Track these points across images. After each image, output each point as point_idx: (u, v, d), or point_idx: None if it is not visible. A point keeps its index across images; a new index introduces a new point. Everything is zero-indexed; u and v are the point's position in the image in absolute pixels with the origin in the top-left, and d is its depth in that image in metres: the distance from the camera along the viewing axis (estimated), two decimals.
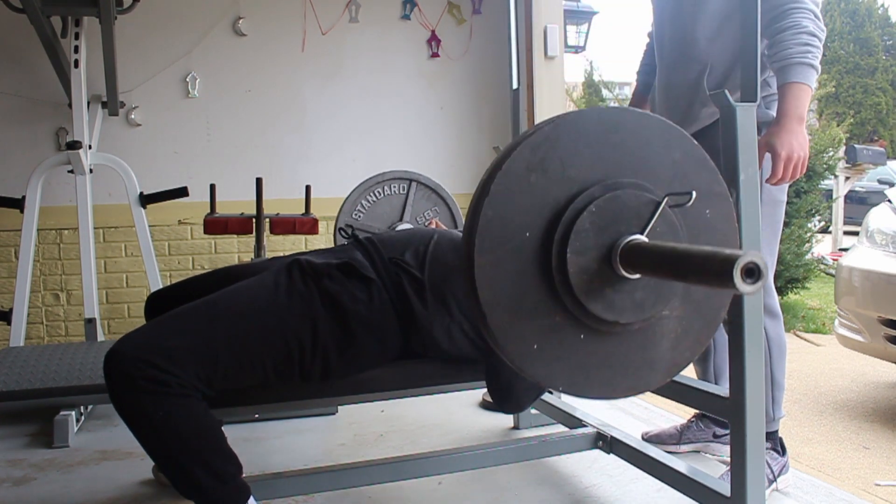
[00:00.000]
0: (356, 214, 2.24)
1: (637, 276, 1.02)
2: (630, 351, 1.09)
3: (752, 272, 0.81)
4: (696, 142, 1.13)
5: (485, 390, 2.59)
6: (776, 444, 1.87)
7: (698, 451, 2.08)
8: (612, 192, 1.03)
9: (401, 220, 2.26)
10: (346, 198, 2.25)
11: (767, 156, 1.63)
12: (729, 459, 1.99)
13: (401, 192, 2.28)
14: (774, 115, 1.72)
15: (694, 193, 1.06)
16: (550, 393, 2.27)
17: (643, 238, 1.02)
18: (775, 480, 1.82)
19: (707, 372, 2.01)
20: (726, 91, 1.33)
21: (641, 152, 1.08)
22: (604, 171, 1.05)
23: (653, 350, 1.10)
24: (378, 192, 2.27)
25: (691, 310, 1.12)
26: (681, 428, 2.10)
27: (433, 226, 2.04)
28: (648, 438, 2.13)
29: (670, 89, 1.89)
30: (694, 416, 2.11)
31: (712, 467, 1.98)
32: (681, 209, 1.07)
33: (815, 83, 1.65)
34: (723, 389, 1.45)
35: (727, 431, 2.03)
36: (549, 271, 1.02)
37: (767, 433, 1.83)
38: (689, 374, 1.66)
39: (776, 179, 1.62)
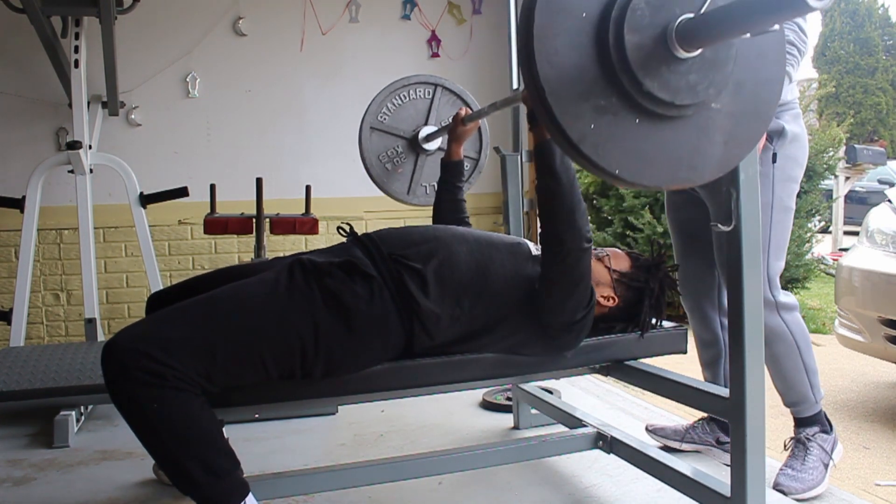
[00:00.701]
0: (382, 116, 2.24)
1: (694, 53, 1.04)
2: (684, 140, 1.10)
3: None
4: None
5: (485, 390, 2.60)
6: (823, 424, 1.90)
7: (699, 452, 2.08)
8: None
9: (426, 122, 2.26)
10: (372, 100, 2.25)
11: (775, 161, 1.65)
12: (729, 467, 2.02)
13: (426, 96, 2.27)
14: (783, 124, 1.75)
15: None
16: (550, 394, 2.27)
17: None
18: (831, 458, 1.86)
19: (717, 377, 2.01)
20: None
21: None
22: None
23: (706, 141, 1.11)
24: (403, 95, 2.26)
25: (741, 108, 1.14)
26: (687, 427, 2.10)
27: (462, 112, 2.03)
28: (653, 430, 2.13)
29: None
30: (701, 419, 2.11)
31: (713, 467, 1.98)
32: None
33: (786, 90, 1.69)
34: (723, 389, 1.45)
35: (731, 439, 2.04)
36: (606, 49, 1.03)
37: (813, 415, 1.88)
38: (691, 374, 1.66)
39: None
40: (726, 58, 1.08)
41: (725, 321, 2.00)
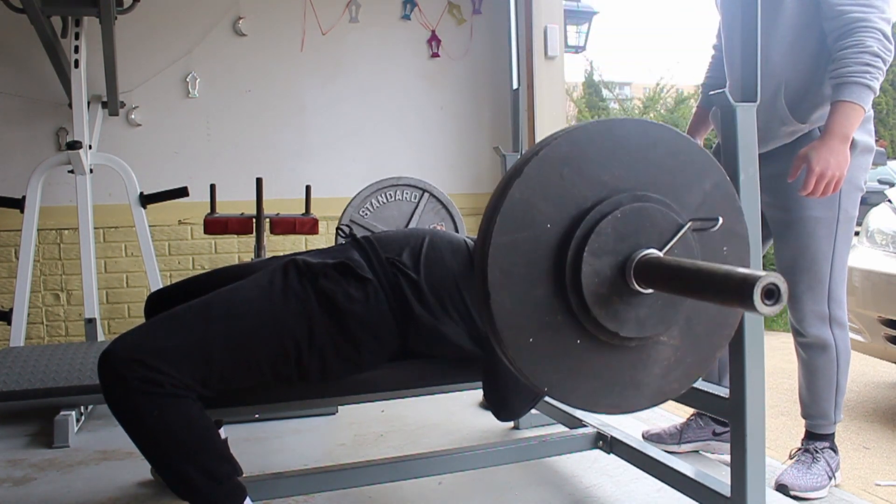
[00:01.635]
0: (363, 212, 2.24)
1: (647, 291, 1.02)
2: (621, 367, 1.08)
3: (772, 293, 0.81)
4: (728, 178, 1.14)
5: None
6: (833, 444, 1.91)
7: (698, 451, 2.08)
8: (639, 203, 1.04)
9: (406, 226, 2.26)
10: (357, 194, 2.25)
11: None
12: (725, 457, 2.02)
13: (412, 199, 2.28)
14: (855, 136, 1.72)
15: (720, 220, 1.07)
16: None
17: (660, 254, 1.03)
18: (834, 478, 1.86)
19: (710, 374, 2.01)
20: (726, 91, 1.33)
21: (675, 174, 1.08)
22: (635, 183, 1.05)
23: (643, 372, 1.10)
24: (390, 194, 2.27)
25: (689, 343, 1.12)
26: (680, 427, 2.10)
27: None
28: (649, 437, 2.13)
29: None
30: (693, 415, 2.11)
31: (713, 467, 1.98)
32: (699, 239, 1.08)
33: (869, 104, 1.66)
34: (723, 390, 1.45)
35: (727, 429, 2.04)
36: (562, 267, 1.02)
37: (827, 434, 1.88)
38: None
39: (806, 192, 1.64)
40: (682, 298, 1.06)
41: None
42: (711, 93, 1.39)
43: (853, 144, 1.72)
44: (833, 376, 1.84)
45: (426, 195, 2.29)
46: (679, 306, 1.07)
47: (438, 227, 2.22)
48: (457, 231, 2.34)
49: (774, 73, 1.77)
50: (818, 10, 1.70)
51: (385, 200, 2.27)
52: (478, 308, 1.05)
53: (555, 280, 1.02)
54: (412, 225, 2.27)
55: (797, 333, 1.86)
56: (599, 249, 1.01)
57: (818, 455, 1.86)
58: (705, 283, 0.90)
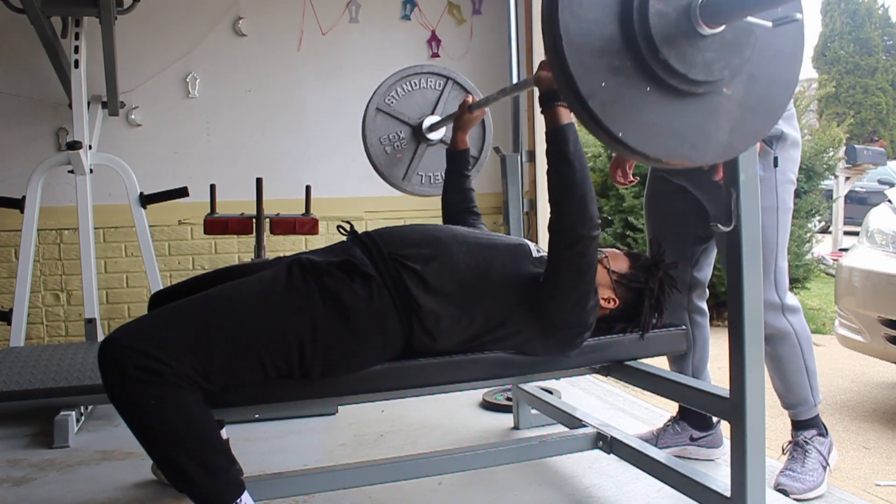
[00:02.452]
0: (389, 99, 2.25)
1: (714, 30, 1.04)
2: (691, 117, 1.10)
3: None
4: None
5: (485, 390, 2.60)
6: (820, 427, 1.91)
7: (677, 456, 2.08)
8: None
9: (432, 113, 2.26)
10: (383, 81, 2.25)
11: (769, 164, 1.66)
12: (709, 462, 2.01)
13: (436, 87, 2.28)
14: (781, 128, 1.77)
15: None
16: (550, 394, 2.27)
17: None
18: (828, 462, 1.87)
19: (684, 370, 2.01)
20: None
21: None
22: None
23: (713, 123, 1.11)
24: (414, 82, 2.27)
25: (752, 99, 1.14)
26: (657, 432, 2.08)
27: (470, 100, 2.04)
28: None
29: None
30: (671, 419, 2.11)
31: (713, 467, 1.98)
32: None
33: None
34: (723, 389, 1.45)
35: (704, 434, 2.05)
36: (630, 10, 1.03)
37: (811, 419, 1.89)
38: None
39: (717, 177, 1.65)
40: (745, 43, 1.08)
41: (696, 317, 2.01)
42: None
43: (781, 137, 1.78)
44: (800, 361, 1.86)
45: (450, 82, 2.28)
46: (743, 53, 1.09)
47: (468, 94, 2.19)
48: (484, 131, 2.33)
49: None
50: None
51: (410, 88, 2.27)
52: (549, 56, 1.05)
53: (623, 24, 1.04)
54: (438, 111, 2.26)
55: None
56: None
57: (808, 446, 1.86)
58: None
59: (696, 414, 2.04)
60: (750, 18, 1.06)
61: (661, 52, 1.03)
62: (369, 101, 2.23)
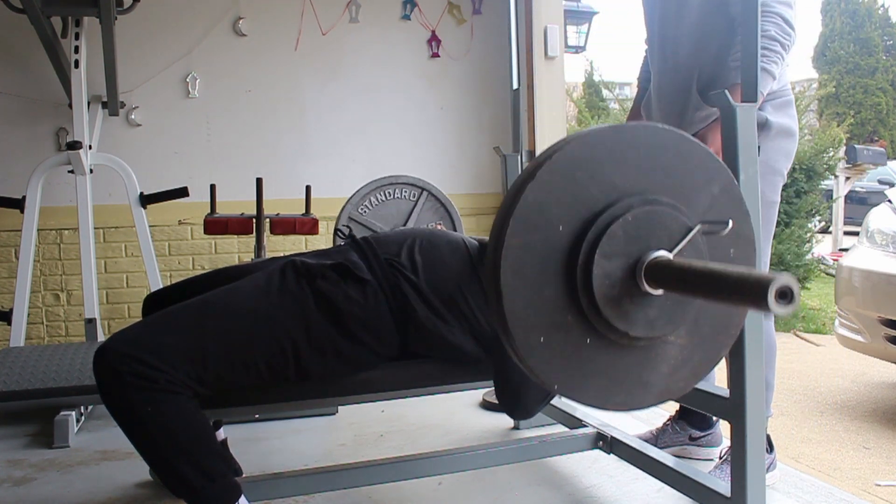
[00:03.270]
0: (362, 209, 2.25)
1: (657, 292, 1.03)
2: (630, 366, 1.09)
3: (786, 294, 0.82)
4: (735, 181, 1.15)
5: (485, 390, 2.59)
6: (768, 441, 1.86)
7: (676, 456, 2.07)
8: (650, 206, 1.05)
9: (405, 224, 2.26)
10: (356, 192, 2.25)
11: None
12: (709, 462, 2.00)
13: (411, 198, 2.29)
14: (766, 116, 1.72)
15: (731, 223, 1.08)
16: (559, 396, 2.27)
17: (670, 255, 1.04)
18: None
19: None
20: (726, 91, 1.33)
21: (684, 178, 1.09)
22: (645, 186, 1.07)
23: (651, 371, 1.11)
24: (388, 192, 2.28)
25: (696, 342, 1.13)
26: (656, 432, 2.08)
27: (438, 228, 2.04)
28: None
29: (663, 96, 1.91)
30: (670, 419, 2.10)
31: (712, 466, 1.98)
32: (707, 243, 1.09)
33: (766, 87, 1.66)
34: (723, 390, 1.45)
35: (704, 434, 2.04)
36: (573, 269, 1.03)
37: None
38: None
39: None
40: (691, 299, 1.07)
41: None
42: (712, 93, 1.39)
43: (765, 125, 1.71)
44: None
45: (425, 193, 2.29)
46: (688, 307, 1.08)
47: (437, 227, 2.22)
48: (455, 230, 2.34)
49: (687, 62, 1.80)
50: None
51: (384, 198, 2.28)
52: (489, 307, 1.05)
53: (566, 281, 1.03)
54: (410, 223, 2.27)
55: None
56: (610, 251, 1.02)
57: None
58: (719, 284, 0.90)
59: (695, 413, 2.03)
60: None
61: (602, 311, 1.03)
62: (342, 209, 2.23)
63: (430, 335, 1.43)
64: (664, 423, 2.10)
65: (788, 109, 1.79)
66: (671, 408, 2.19)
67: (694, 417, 2.05)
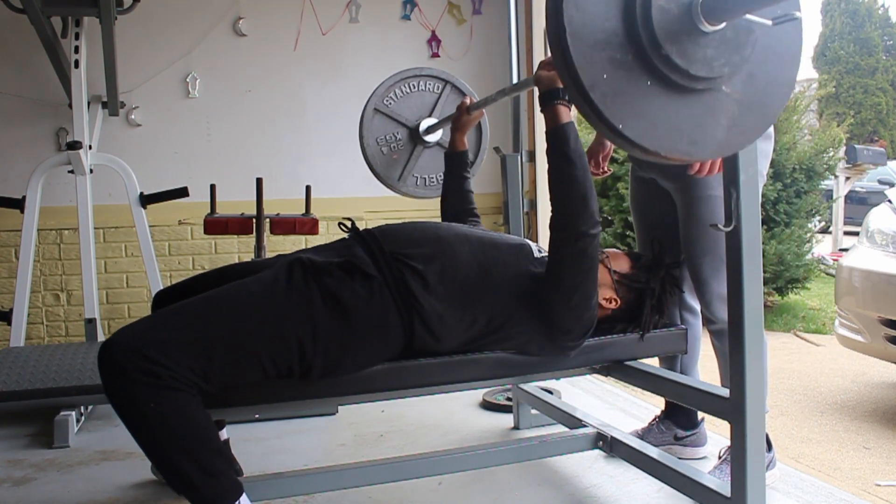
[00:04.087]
0: (387, 101, 2.25)
1: (715, 27, 1.05)
2: (690, 113, 1.11)
3: None
4: None
5: (485, 390, 2.60)
6: (766, 439, 1.86)
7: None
8: None
9: (430, 115, 2.27)
10: (382, 82, 2.26)
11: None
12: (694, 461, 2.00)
13: (435, 90, 2.29)
14: None
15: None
16: (550, 394, 2.27)
17: None
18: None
19: (674, 368, 2.00)
20: None
21: None
22: None
23: (711, 121, 1.12)
24: (413, 84, 2.28)
25: (751, 98, 1.15)
26: (642, 431, 2.07)
27: (468, 101, 2.04)
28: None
29: None
30: (656, 418, 2.10)
31: (701, 464, 1.97)
32: None
33: None
34: (723, 390, 1.45)
35: (688, 433, 2.04)
36: (633, 4, 1.05)
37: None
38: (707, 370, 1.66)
39: (693, 171, 1.65)
40: (745, 42, 1.10)
41: (686, 316, 2.00)
42: None
43: None
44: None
45: (448, 86, 2.29)
46: (743, 51, 1.10)
47: (466, 96, 2.20)
48: (480, 133, 2.33)
49: None
50: None
51: (409, 90, 2.28)
52: (552, 47, 1.07)
53: (626, 18, 1.06)
54: (434, 114, 2.26)
55: (708, 321, 1.85)
56: None
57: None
58: None
59: (681, 413, 2.04)
60: (750, 16, 1.07)
61: (662, 48, 1.05)
62: (367, 101, 2.24)
63: (435, 324, 1.43)
64: (650, 423, 2.10)
65: None
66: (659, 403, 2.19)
67: (679, 417, 2.05)
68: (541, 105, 1.48)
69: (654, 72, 1.07)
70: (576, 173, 1.42)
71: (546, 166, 1.46)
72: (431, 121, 2.25)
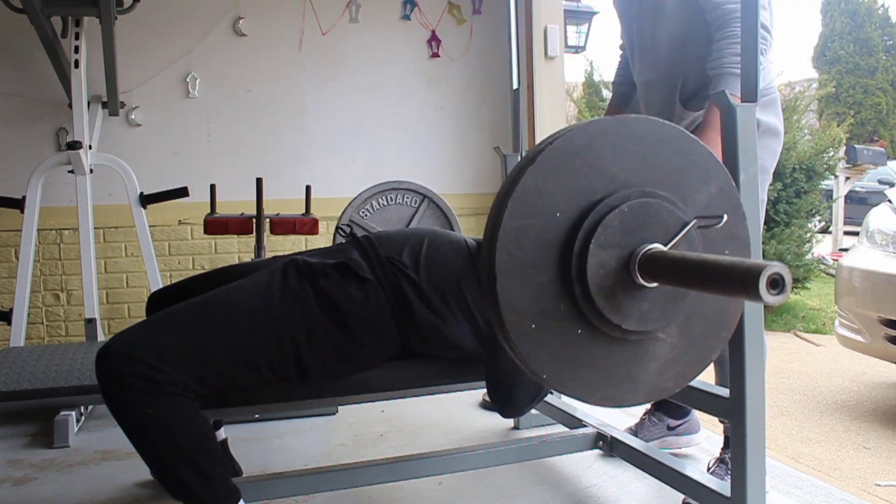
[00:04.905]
0: (363, 213, 2.26)
1: (651, 284, 1.04)
2: (619, 361, 1.09)
3: (777, 283, 0.82)
4: (733, 183, 1.15)
5: (485, 390, 2.59)
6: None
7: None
8: (647, 198, 1.05)
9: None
10: (358, 195, 2.26)
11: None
12: (685, 451, 2.01)
13: (412, 204, 2.30)
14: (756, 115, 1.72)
15: (725, 217, 1.09)
16: (551, 393, 2.27)
17: (664, 248, 1.04)
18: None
19: None
20: (726, 91, 1.33)
21: (683, 174, 1.10)
22: (644, 179, 1.07)
23: (640, 368, 1.11)
24: (391, 197, 2.29)
25: (686, 342, 1.13)
26: (635, 427, 2.08)
27: None
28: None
29: (651, 105, 1.91)
30: (646, 412, 2.10)
31: (693, 461, 1.97)
32: (703, 244, 1.09)
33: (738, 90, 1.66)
34: (723, 389, 1.45)
35: (680, 422, 2.04)
36: (568, 257, 1.03)
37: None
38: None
39: None
40: (684, 293, 1.08)
41: None
42: (713, 92, 1.39)
43: (756, 125, 1.71)
44: None
45: (426, 200, 2.30)
46: (681, 303, 1.08)
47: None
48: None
49: (670, 71, 1.80)
50: (698, 3, 1.71)
51: (385, 203, 2.29)
52: (483, 292, 1.05)
53: (560, 268, 1.04)
54: (412, 226, 2.28)
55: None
56: (606, 242, 1.02)
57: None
58: (710, 273, 0.91)
59: (669, 403, 2.03)
60: None
61: (595, 302, 1.03)
62: (344, 211, 2.24)
63: (429, 334, 1.44)
64: (641, 417, 2.10)
65: (774, 108, 1.79)
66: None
67: (669, 407, 2.05)
68: None
69: (586, 322, 1.05)
70: None
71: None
72: None
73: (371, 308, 1.39)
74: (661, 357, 1.12)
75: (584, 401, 1.11)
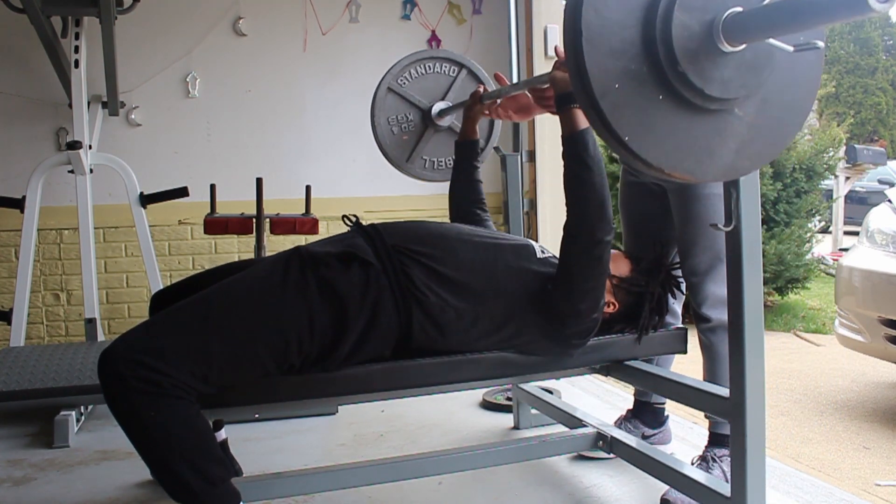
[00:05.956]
0: (402, 80, 2.23)
1: (734, 48, 1.04)
2: (700, 133, 1.10)
3: None
4: None
5: (485, 390, 2.60)
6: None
7: None
8: None
9: (443, 98, 2.23)
10: (397, 62, 2.23)
11: None
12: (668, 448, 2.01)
13: (450, 73, 2.26)
14: None
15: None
16: (550, 394, 2.27)
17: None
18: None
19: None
20: None
21: None
22: None
23: (720, 143, 1.11)
24: (428, 66, 2.25)
25: (763, 123, 1.14)
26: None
27: (481, 90, 1.99)
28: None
29: None
30: (621, 418, 2.10)
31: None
32: None
33: None
34: (723, 389, 1.45)
35: (656, 431, 2.05)
36: (653, 17, 1.04)
37: (728, 435, 1.79)
38: (691, 374, 1.66)
39: None
40: (764, 64, 1.09)
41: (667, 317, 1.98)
42: None
43: None
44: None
45: (464, 70, 2.28)
46: (760, 73, 1.09)
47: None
48: (492, 121, 2.31)
49: None
50: None
51: (424, 72, 2.25)
52: (567, 51, 1.05)
53: (645, 29, 1.04)
54: (448, 97, 2.24)
55: (700, 319, 1.82)
56: (690, 4, 1.03)
57: (714, 464, 1.78)
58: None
59: (647, 412, 2.05)
60: (771, 41, 1.06)
61: (679, 64, 1.03)
62: (381, 79, 2.20)
63: (435, 318, 1.42)
64: (615, 422, 2.09)
65: None
66: (672, 407, 2.19)
67: (647, 416, 2.05)
68: (557, 107, 1.47)
69: (668, 87, 1.06)
70: (594, 180, 1.41)
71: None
72: (444, 104, 2.21)
73: (370, 292, 1.37)
74: (739, 135, 1.12)
75: (666, 169, 1.09)
